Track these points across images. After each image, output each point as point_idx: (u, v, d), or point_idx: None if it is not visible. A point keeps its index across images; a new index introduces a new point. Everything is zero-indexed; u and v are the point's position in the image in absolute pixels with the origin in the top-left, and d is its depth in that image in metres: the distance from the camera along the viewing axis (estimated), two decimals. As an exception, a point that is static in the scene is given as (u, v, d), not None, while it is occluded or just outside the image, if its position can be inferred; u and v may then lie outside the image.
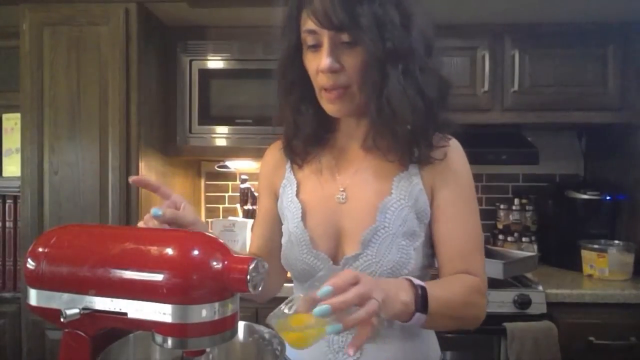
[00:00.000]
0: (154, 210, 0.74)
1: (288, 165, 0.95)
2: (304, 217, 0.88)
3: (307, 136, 0.89)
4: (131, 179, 0.81)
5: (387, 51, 0.76)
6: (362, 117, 0.87)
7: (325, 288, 0.62)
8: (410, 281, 0.74)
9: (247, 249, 1.08)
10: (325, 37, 0.78)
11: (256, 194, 2.24)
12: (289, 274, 0.97)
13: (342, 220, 0.87)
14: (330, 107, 0.83)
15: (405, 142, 0.82)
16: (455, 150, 0.89)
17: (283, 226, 0.93)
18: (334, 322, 0.62)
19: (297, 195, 0.91)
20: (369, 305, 0.63)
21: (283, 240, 0.92)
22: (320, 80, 0.81)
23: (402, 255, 0.82)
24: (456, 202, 0.86)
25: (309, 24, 0.79)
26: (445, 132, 0.87)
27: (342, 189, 0.88)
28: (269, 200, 0.98)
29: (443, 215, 0.86)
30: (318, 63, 0.79)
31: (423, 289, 0.73)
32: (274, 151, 0.99)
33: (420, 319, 0.72)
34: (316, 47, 0.80)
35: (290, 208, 0.90)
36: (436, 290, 0.75)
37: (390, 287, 0.71)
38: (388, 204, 0.84)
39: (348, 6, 0.74)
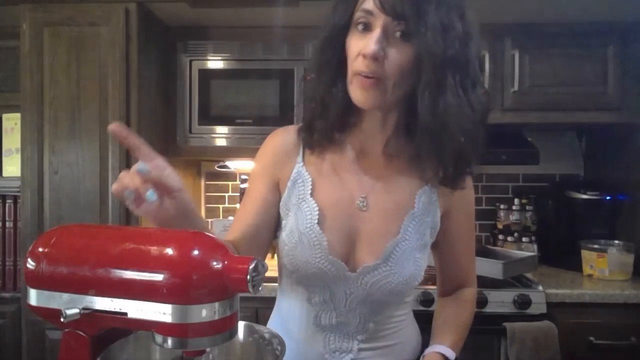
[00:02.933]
0: (139, 165, 0.63)
1: (300, 157, 0.88)
2: (320, 220, 0.83)
3: (332, 120, 0.83)
4: (110, 127, 0.65)
5: (448, 56, 0.72)
6: (389, 114, 0.83)
7: None
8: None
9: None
10: (380, 22, 0.73)
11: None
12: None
13: (361, 227, 0.84)
14: (359, 93, 0.77)
15: (449, 157, 0.79)
16: (471, 180, 0.90)
17: (284, 222, 0.87)
18: None
19: (312, 194, 0.85)
20: None
21: (289, 240, 0.85)
22: (357, 65, 0.75)
23: (417, 267, 0.84)
24: (469, 228, 0.96)
25: (368, 3, 0.74)
26: (478, 161, 0.85)
27: (363, 195, 0.85)
28: (267, 187, 0.88)
29: (457, 239, 0.94)
30: (363, 46, 0.74)
31: None
32: (284, 137, 0.90)
33: None
34: (366, 29, 0.75)
35: (301, 207, 0.84)
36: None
37: None
38: (412, 217, 0.84)
39: (417, 1, 0.71)
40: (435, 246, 0.93)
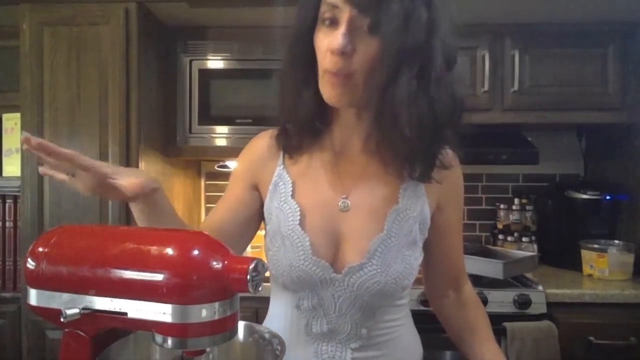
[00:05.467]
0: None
1: (280, 160, 0.87)
2: (301, 221, 0.82)
3: (304, 122, 0.81)
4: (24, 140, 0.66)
5: (406, 47, 0.70)
6: (363, 111, 0.81)
7: None
8: None
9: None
10: (346, 15, 0.71)
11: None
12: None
13: (344, 227, 0.82)
14: (330, 92, 0.75)
15: (404, 155, 0.77)
16: (458, 168, 0.89)
17: (268, 227, 0.86)
18: None
19: (293, 196, 0.84)
20: None
21: (273, 243, 0.84)
22: (326, 62, 0.73)
23: (406, 265, 0.81)
24: (459, 221, 0.94)
25: None
26: (453, 150, 0.84)
27: (344, 196, 0.83)
28: (243, 188, 0.89)
29: (448, 232, 0.91)
30: (330, 41, 0.72)
31: None
32: (265, 141, 0.90)
33: None
34: (332, 23, 0.73)
35: (283, 209, 0.83)
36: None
37: None
38: (396, 213, 0.81)
39: None
40: (425, 243, 0.88)
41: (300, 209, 0.83)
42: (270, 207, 0.86)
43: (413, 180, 0.82)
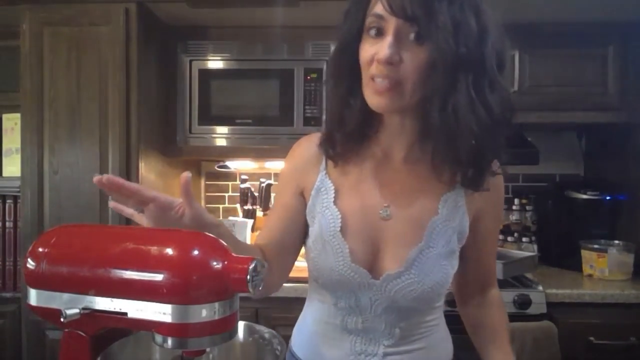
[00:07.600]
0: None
1: (322, 166, 0.88)
2: (342, 228, 0.83)
3: (350, 131, 0.83)
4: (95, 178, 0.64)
5: (459, 56, 0.70)
6: (406, 117, 0.81)
7: None
8: None
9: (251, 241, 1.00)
10: (392, 26, 0.71)
11: (256, 194, 2.24)
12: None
13: (384, 236, 0.84)
14: (376, 99, 0.75)
15: (459, 161, 0.77)
16: (501, 178, 0.88)
17: (311, 229, 0.88)
18: None
19: (335, 202, 0.85)
20: None
21: (314, 247, 0.86)
22: (372, 70, 0.74)
23: (443, 275, 0.83)
24: (496, 229, 0.98)
25: (378, 7, 0.73)
26: (500, 159, 0.83)
27: (386, 205, 0.84)
28: (292, 195, 0.90)
29: (485, 240, 0.92)
30: (375, 51, 0.73)
31: None
32: (308, 146, 0.91)
33: None
34: (378, 33, 0.74)
35: (325, 215, 0.85)
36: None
37: None
38: (435, 224, 0.83)
39: (428, 0, 0.69)
40: (460, 250, 0.88)
41: (342, 215, 0.84)
42: (313, 211, 0.88)
43: (463, 187, 0.82)
